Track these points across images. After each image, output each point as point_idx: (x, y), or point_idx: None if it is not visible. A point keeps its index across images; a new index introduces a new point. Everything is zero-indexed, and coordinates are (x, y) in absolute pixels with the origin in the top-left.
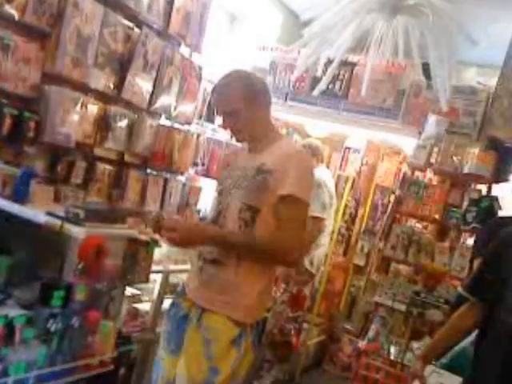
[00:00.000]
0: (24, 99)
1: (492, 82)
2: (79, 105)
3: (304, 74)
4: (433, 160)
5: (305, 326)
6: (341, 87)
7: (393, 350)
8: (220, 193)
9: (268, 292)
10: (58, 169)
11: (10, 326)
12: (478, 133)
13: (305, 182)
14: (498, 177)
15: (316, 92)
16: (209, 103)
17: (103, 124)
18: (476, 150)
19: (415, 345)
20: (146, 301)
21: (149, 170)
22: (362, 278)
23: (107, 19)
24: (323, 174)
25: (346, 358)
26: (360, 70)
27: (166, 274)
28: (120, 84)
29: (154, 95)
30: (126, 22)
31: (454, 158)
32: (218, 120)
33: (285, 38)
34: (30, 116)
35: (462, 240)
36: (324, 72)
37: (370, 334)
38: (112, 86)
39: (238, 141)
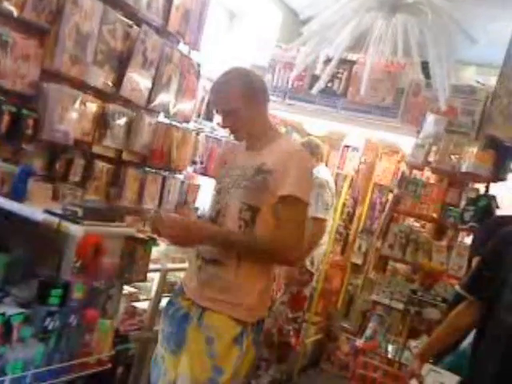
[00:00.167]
0: (22, 96)
1: (491, 81)
2: (78, 102)
3: (303, 73)
4: (431, 159)
5: (303, 325)
6: (340, 86)
7: (390, 348)
8: (218, 192)
9: (268, 291)
10: (56, 166)
11: (7, 324)
12: (477, 132)
13: (305, 182)
14: (496, 176)
15: (315, 90)
16: (208, 101)
17: (102, 122)
18: (474, 149)
19: (413, 343)
20: (144, 299)
21: (147, 168)
22: (359, 276)
23: (106, 16)
24: (325, 173)
25: (343, 356)
26: (359, 68)
27: (164, 273)
28: (119, 81)
29: (152, 93)
30: (125, 20)
31: (452, 157)
32: (217, 118)
33: (284, 36)
34: (29, 113)
35: (459, 239)
36: (323, 70)
37: (368, 332)
38: (111, 83)
39: (237, 139)
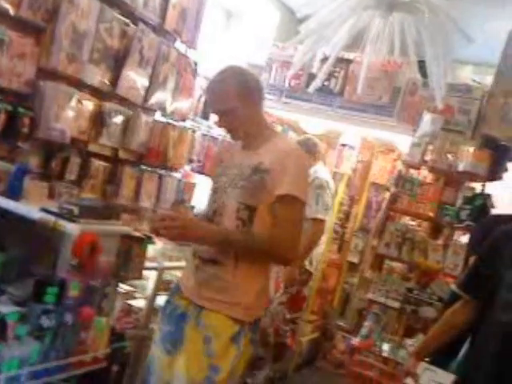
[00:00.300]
0: (18, 95)
1: (487, 80)
2: (74, 101)
3: (300, 71)
4: (427, 158)
5: (299, 324)
6: (336, 84)
7: (386, 346)
8: (215, 191)
9: (266, 291)
10: (52, 165)
11: (2, 322)
12: (473, 131)
13: (302, 181)
14: (492, 175)
15: (311, 89)
16: (205, 100)
17: (98, 120)
18: (470, 148)
19: (408, 342)
20: (140, 297)
21: (143, 167)
22: (355, 275)
23: (103, 15)
24: (325, 173)
25: (339, 355)
26: (356, 67)
27: (160, 271)
28: (115, 80)
29: (149, 91)
30: (122, 18)
31: (449, 156)
32: (213, 117)
33: (281, 35)
34: (25, 112)
35: (455, 238)
36: (320, 69)
37: (364, 330)
38: (107, 81)
39: (233, 139)
